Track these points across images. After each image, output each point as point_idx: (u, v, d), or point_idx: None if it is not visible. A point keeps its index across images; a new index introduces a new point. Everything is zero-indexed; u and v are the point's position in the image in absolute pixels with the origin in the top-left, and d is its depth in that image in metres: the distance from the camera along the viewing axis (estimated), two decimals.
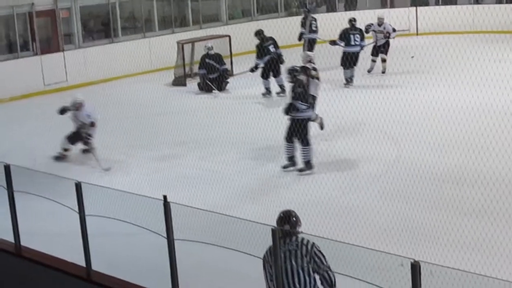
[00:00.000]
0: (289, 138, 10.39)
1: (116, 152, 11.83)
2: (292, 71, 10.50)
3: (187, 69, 18.21)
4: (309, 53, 12.08)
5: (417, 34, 22.62)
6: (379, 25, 17.12)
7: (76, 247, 6.31)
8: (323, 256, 5.11)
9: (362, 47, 16.45)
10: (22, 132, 13.91)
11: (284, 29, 16.19)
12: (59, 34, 18.46)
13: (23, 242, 6.91)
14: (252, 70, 15.88)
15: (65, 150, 11.69)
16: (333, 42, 16.50)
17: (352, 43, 16.30)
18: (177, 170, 10.83)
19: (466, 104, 12.04)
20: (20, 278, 6.75)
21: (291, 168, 10.40)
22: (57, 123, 12.40)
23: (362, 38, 16.44)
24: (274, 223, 5.25)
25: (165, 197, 5.51)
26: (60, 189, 7.25)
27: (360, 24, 16.76)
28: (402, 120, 11.62)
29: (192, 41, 18.75)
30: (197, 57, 17.68)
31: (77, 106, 11.44)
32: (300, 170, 10.32)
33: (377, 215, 8.38)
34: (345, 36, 16.36)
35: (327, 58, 14.24)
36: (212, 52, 16.82)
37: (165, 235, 5.49)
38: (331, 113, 11.80)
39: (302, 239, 5.16)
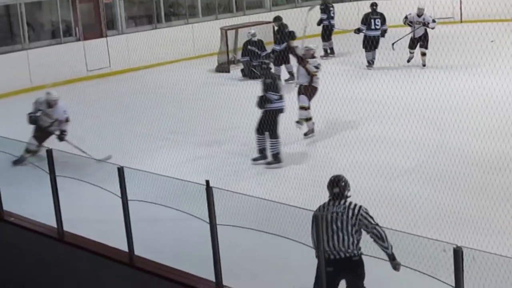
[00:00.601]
0: (260, 130, 10.43)
1: (158, 138, 11.93)
2: (262, 63, 10.65)
3: (230, 55, 18.23)
4: (311, 46, 11.94)
5: (461, 21, 22.17)
6: (419, 16, 16.83)
7: (118, 232, 6.40)
8: (371, 217, 5.62)
9: (383, 32, 17.06)
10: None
11: None
12: (102, 20, 18.63)
13: (66, 228, 6.98)
14: (268, 56, 16.05)
15: (29, 151, 10.84)
16: (357, 30, 17.25)
17: (373, 27, 17.04)
18: (220, 156, 10.88)
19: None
20: (63, 264, 6.85)
21: (261, 161, 10.42)
22: (98, 108, 12.54)
23: (383, 23, 17.06)
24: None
25: (207, 182, 5.54)
26: (103, 174, 7.37)
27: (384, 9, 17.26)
28: (446, 107, 11.48)
29: (236, 28, 18.77)
30: (241, 43, 17.71)
31: (52, 104, 11.04)
32: (268, 163, 10.36)
33: (419, 201, 8.33)
34: (366, 20, 17.14)
35: (346, 43, 14.61)
36: (255, 38, 16.92)
37: (207, 220, 5.52)
38: (370, 97, 11.71)
39: (350, 203, 5.72)
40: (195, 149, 11.39)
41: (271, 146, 10.41)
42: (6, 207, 7.70)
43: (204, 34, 18.72)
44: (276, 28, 16.63)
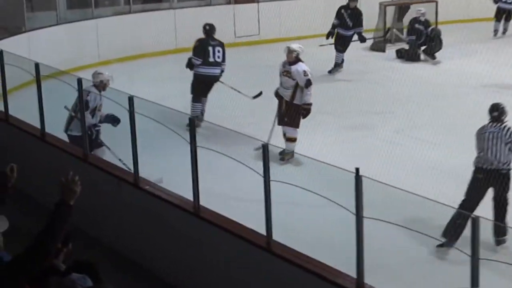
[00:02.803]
0: None
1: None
2: None
3: (388, 33, 18.05)
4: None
5: None
6: None
7: (256, 213, 6.48)
8: None
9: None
10: None
11: None
12: None
13: (202, 202, 7.12)
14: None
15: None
16: None
17: None
18: (369, 142, 10.82)
19: None
20: (198, 239, 7.00)
21: None
22: (244, 76, 12.74)
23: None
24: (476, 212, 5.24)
25: (357, 170, 5.50)
26: (246, 149, 7.48)
27: None
28: None
29: (397, 4, 18.54)
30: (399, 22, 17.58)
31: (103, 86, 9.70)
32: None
33: None
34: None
35: None
36: (422, 18, 16.83)
37: (354, 211, 5.49)
38: None
39: (505, 126, 7.68)
40: (343, 132, 11.37)
41: None
42: (142, 174, 7.92)
43: (361, 8, 18.45)
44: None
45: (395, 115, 11.96)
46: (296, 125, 10.49)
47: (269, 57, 16.38)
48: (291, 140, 10.51)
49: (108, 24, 16.76)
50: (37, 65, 9.32)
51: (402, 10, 18.57)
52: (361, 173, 5.48)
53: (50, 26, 15.73)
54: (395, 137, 10.96)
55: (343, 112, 12.24)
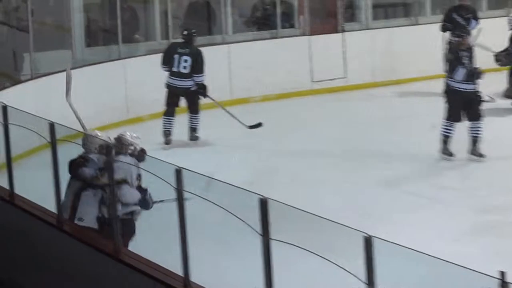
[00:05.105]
0: None
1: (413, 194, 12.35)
2: None
3: None
4: None
5: None
6: None
7: None
8: None
9: None
10: None
11: None
12: (339, 7, 19.21)
13: None
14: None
15: None
16: None
17: None
18: None
19: None
20: None
21: None
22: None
23: None
24: None
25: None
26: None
27: None
28: None
29: None
30: None
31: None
32: None
33: None
34: None
35: None
36: None
37: None
38: None
39: None
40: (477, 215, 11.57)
41: None
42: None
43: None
44: None
45: None
46: None
47: (358, 110, 16.74)
48: None
49: (139, 65, 16.99)
50: (52, 126, 9.25)
51: None
52: None
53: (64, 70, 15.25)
54: None
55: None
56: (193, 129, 15.15)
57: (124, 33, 17.27)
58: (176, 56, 14.78)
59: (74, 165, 9.35)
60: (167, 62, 14.93)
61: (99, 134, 9.75)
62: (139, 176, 9.40)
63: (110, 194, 8.87)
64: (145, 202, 9.34)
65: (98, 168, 9.19)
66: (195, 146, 15.09)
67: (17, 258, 9.89)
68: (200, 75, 14.82)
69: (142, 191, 9.34)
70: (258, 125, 14.99)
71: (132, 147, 9.36)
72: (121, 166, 9.09)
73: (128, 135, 9.51)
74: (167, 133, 15.02)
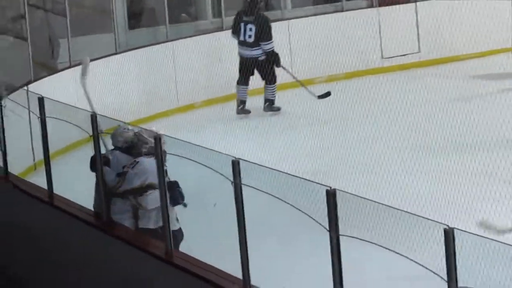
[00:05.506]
0: None
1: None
2: None
3: None
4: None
5: None
6: None
7: None
8: None
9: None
10: None
11: None
12: None
13: None
14: None
15: None
16: None
17: None
18: None
19: None
20: None
21: None
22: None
23: None
24: None
25: None
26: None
27: None
28: None
29: None
30: None
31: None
32: None
33: None
34: None
35: None
36: None
37: None
38: None
39: None
40: None
41: None
42: None
43: None
44: None
45: None
46: None
47: (434, 86, 16.33)
48: None
49: (187, 48, 16.94)
50: (93, 117, 9.35)
51: None
52: None
53: (106, 56, 15.92)
54: None
55: None
56: (268, 100, 15.82)
57: (171, 13, 17.23)
58: (242, 24, 15.75)
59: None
60: (235, 31, 16.02)
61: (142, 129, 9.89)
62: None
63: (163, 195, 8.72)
64: (180, 195, 9.36)
65: (116, 173, 9.37)
66: (256, 132, 14.97)
67: (60, 260, 9.87)
68: (267, 42, 15.63)
69: (172, 185, 9.28)
70: (327, 94, 15.53)
71: (147, 146, 9.37)
72: (148, 169, 9.24)
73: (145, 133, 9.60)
74: (240, 103, 15.82)
